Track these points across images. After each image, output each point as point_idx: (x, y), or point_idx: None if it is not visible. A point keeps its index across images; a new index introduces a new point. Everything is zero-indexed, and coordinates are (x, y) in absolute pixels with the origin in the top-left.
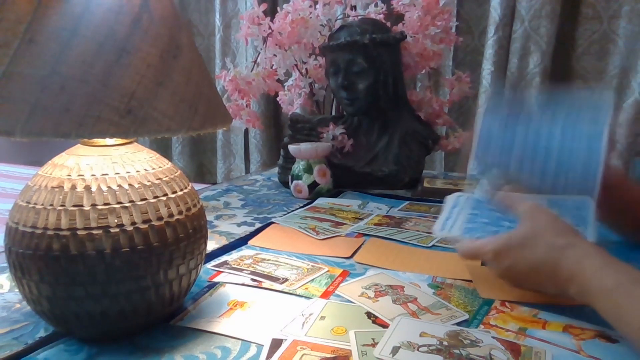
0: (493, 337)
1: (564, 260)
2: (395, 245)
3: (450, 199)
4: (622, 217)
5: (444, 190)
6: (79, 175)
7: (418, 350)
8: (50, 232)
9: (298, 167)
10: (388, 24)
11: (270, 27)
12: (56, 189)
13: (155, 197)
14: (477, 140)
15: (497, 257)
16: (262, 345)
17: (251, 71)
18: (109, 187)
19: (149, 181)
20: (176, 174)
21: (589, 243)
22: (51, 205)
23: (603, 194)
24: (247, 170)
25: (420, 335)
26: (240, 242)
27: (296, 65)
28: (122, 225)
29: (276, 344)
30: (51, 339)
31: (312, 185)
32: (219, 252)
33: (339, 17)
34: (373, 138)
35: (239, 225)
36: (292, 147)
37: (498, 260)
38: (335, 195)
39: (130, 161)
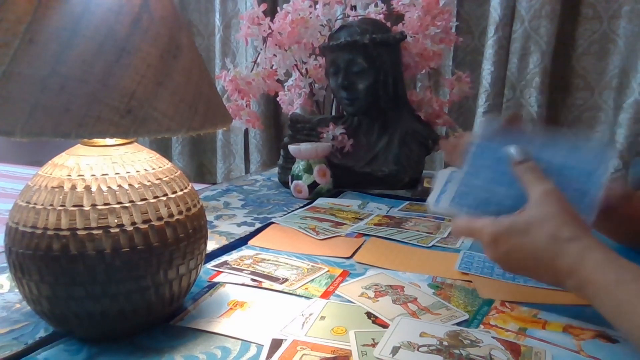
0: (493, 337)
1: (565, 252)
2: (395, 245)
3: (442, 174)
4: (622, 228)
5: None
6: (79, 176)
7: (418, 350)
8: (50, 232)
9: (298, 167)
10: (388, 24)
11: (270, 27)
12: (56, 189)
13: (155, 197)
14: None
15: (496, 241)
16: (262, 345)
17: (251, 71)
18: (109, 187)
19: (149, 181)
20: (176, 174)
21: (593, 237)
22: (51, 205)
23: (604, 205)
24: (247, 170)
25: (420, 335)
26: (240, 242)
27: (296, 65)
28: (122, 225)
29: (276, 344)
30: (51, 339)
31: (312, 185)
32: (219, 252)
33: (339, 17)
34: (373, 138)
35: (239, 225)
36: (292, 147)
37: (496, 244)
38: (335, 195)
39: (130, 161)
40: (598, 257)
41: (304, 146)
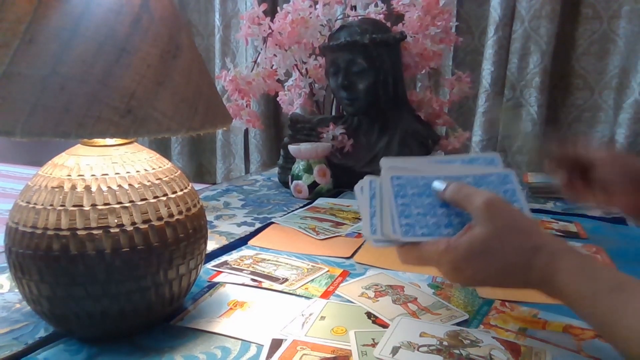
0: (493, 337)
1: (533, 264)
2: None
3: (364, 189)
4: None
5: None
6: (79, 176)
7: (418, 350)
8: (50, 232)
9: (298, 167)
10: (388, 24)
11: (270, 27)
12: (56, 189)
13: (155, 197)
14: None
15: (457, 269)
16: (262, 345)
17: (251, 71)
18: (109, 187)
19: (149, 181)
20: (176, 174)
21: (558, 242)
22: (51, 205)
23: (633, 189)
24: (247, 170)
25: (420, 335)
26: (240, 242)
27: (296, 65)
28: (122, 225)
29: (276, 344)
30: (51, 339)
31: (312, 185)
32: (219, 252)
33: (339, 17)
34: (373, 138)
35: (239, 225)
36: (292, 147)
37: (458, 271)
38: (335, 195)
39: (130, 161)
40: (568, 265)
41: (304, 146)
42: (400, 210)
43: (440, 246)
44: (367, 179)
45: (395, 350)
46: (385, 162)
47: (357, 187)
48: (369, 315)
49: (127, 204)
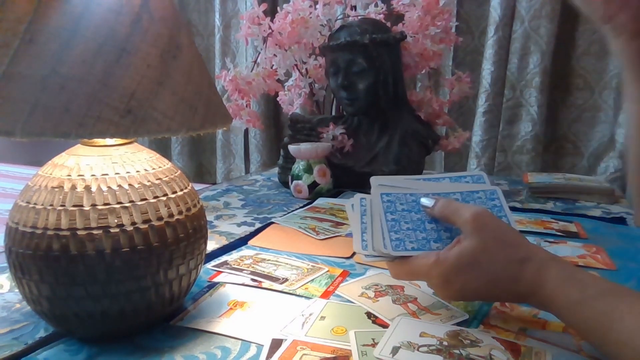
0: (493, 337)
1: (522, 275)
2: None
3: (355, 207)
4: None
5: None
6: (79, 176)
7: (418, 350)
8: (50, 232)
9: (298, 167)
10: (388, 24)
11: (270, 27)
12: (56, 189)
13: (155, 197)
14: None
15: (447, 281)
16: (262, 345)
17: (251, 71)
18: (109, 187)
19: (149, 181)
20: (176, 174)
21: (544, 253)
22: (51, 205)
23: None
24: (247, 170)
25: (420, 335)
26: (240, 242)
27: (296, 65)
28: (122, 225)
29: (276, 344)
30: (51, 339)
31: (312, 185)
32: (219, 252)
33: (339, 17)
34: (373, 138)
35: (239, 225)
36: (292, 147)
37: (448, 284)
38: (335, 195)
39: (130, 161)
40: (556, 275)
41: (304, 146)
42: (390, 226)
43: (430, 259)
44: (357, 197)
45: (395, 350)
46: (375, 181)
47: (348, 205)
48: (369, 315)
49: (127, 204)
